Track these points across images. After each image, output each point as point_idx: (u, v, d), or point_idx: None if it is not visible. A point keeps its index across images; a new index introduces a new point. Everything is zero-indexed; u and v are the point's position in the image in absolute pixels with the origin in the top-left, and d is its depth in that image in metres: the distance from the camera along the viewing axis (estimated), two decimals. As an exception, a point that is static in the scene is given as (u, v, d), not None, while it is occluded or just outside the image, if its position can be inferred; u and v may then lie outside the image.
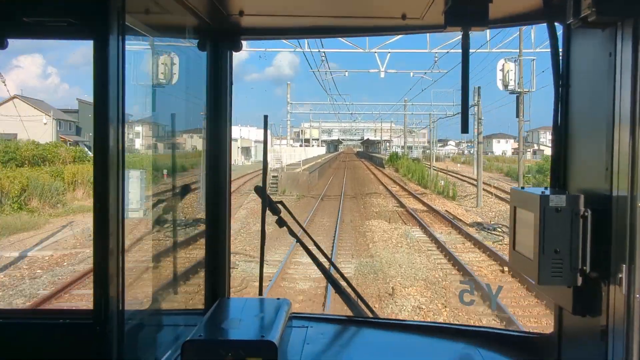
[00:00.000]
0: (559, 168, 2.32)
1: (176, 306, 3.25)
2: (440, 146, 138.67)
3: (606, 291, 1.97)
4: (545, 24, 2.32)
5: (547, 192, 2.14)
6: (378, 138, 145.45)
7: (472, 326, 4.66)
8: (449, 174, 59.12)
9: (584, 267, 2.04)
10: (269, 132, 3.49)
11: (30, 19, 2.27)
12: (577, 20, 1.99)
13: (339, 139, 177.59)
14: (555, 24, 2.27)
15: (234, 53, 3.11)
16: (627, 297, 1.85)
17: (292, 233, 3.14)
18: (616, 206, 1.92)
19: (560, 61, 2.29)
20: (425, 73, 47.26)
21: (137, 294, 2.79)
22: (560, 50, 2.30)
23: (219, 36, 3.00)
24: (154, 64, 2.81)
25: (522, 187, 2.30)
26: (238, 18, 2.81)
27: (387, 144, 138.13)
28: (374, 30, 3.13)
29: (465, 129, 2.50)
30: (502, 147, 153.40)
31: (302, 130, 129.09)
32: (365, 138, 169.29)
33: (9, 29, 2.39)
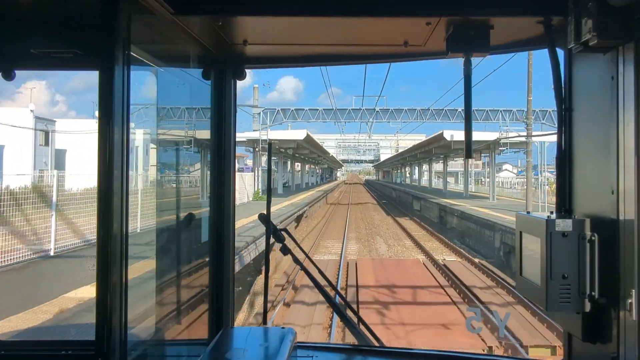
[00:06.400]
0: (565, 192, 2.30)
1: (180, 336, 3.21)
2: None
3: (616, 317, 1.93)
4: (546, 49, 2.34)
5: (553, 216, 2.12)
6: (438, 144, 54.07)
7: (481, 354, 4.57)
8: None
9: (593, 293, 2.00)
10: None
11: (37, 51, 2.31)
12: (578, 45, 2.00)
13: (315, 150, 71.35)
14: (557, 48, 2.28)
15: (237, 81, 3.15)
16: (637, 323, 1.81)
17: (297, 260, 3.11)
18: (623, 230, 1.90)
19: (563, 85, 2.30)
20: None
21: (141, 325, 2.75)
22: (562, 74, 2.32)
23: (223, 65, 3.03)
24: (158, 92, 2.84)
25: (528, 212, 2.28)
26: (242, 47, 2.84)
27: (429, 164, 74.70)
28: (377, 58, 3.15)
29: (469, 154, 2.50)
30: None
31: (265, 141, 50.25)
32: (387, 155, 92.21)
33: (16, 61, 2.43)
